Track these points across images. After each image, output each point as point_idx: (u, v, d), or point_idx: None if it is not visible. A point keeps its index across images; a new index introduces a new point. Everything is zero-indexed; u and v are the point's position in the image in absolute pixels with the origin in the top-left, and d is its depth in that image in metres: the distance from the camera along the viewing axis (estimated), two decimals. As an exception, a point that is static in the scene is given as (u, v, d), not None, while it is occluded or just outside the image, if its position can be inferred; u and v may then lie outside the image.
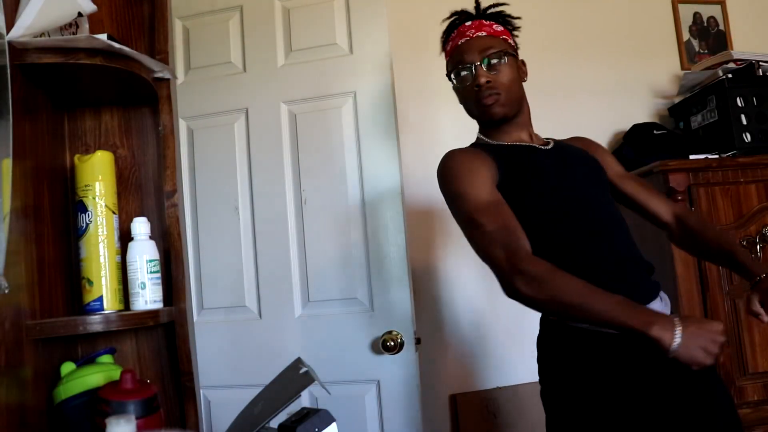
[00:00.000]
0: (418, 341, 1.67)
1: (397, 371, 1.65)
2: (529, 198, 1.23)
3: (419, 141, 2.17)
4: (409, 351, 1.64)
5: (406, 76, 2.10)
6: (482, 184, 1.22)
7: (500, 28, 1.33)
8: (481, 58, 1.28)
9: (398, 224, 1.68)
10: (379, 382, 1.66)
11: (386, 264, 1.68)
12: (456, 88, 1.35)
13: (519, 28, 1.39)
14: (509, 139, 1.33)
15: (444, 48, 1.40)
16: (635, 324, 1.01)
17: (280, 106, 1.78)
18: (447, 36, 1.38)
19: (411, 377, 1.64)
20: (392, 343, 1.63)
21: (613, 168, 1.40)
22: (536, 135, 1.38)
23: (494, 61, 1.28)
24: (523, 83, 1.35)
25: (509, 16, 1.37)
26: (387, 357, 1.65)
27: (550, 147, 1.34)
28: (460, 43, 1.32)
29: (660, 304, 1.20)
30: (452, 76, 1.34)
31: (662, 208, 1.36)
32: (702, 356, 0.99)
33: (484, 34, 1.30)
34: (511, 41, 1.34)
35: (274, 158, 1.77)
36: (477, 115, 1.34)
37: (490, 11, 1.36)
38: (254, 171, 1.78)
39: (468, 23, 1.33)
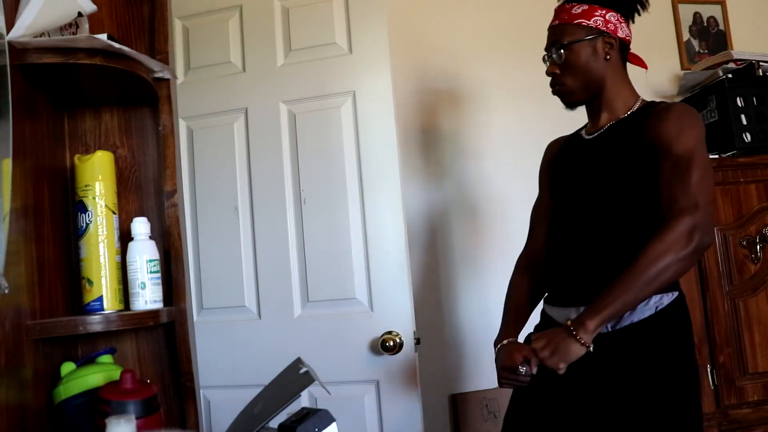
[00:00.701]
0: (417, 341, 1.67)
1: (397, 371, 1.65)
2: (551, 191, 1.46)
3: (419, 140, 2.17)
4: (408, 351, 1.64)
5: (405, 75, 2.10)
6: (541, 181, 1.52)
7: (580, 9, 1.32)
8: (550, 50, 1.36)
9: (398, 224, 1.68)
10: (378, 382, 1.66)
11: (386, 264, 1.68)
12: None
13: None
14: (589, 124, 1.42)
15: None
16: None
17: (280, 105, 1.78)
18: None
19: (410, 377, 1.64)
20: (392, 344, 1.63)
21: (664, 151, 1.21)
22: (612, 112, 1.35)
23: (560, 51, 1.33)
24: (605, 61, 1.32)
25: None
26: (386, 357, 1.65)
27: (595, 135, 1.36)
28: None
29: (577, 311, 1.23)
30: None
31: (664, 205, 1.19)
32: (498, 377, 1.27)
33: (557, 22, 1.36)
34: (590, 22, 1.31)
35: (273, 158, 1.77)
36: None
37: None
38: (254, 171, 1.78)
39: (557, 8, 1.39)
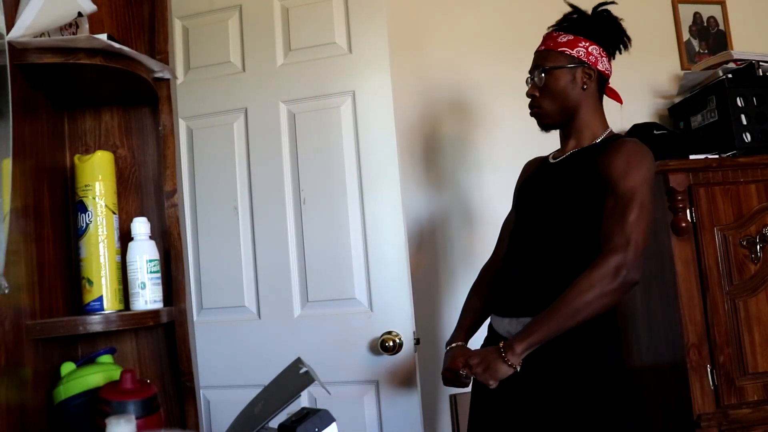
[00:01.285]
0: (417, 342, 1.67)
1: (397, 372, 1.65)
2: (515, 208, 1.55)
3: (418, 140, 2.17)
4: (408, 351, 1.64)
5: (404, 75, 2.10)
6: (513, 196, 1.58)
7: (566, 38, 1.40)
8: (533, 73, 1.43)
9: (398, 224, 1.68)
10: (378, 382, 1.66)
11: (386, 264, 1.68)
12: None
13: (609, 29, 1.43)
14: (559, 149, 1.49)
15: None
16: None
17: (279, 105, 1.78)
18: None
19: (410, 378, 1.64)
20: (391, 344, 1.63)
21: (610, 186, 1.28)
22: (579, 140, 1.42)
23: (542, 75, 1.40)
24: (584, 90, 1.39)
25: (591, 19, 1.42)
26: (386, 357, 1.65)
27: (558, 160, 1.43)
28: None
29: (510, 322, 1.35)
30: None
31: (601, 239, 1.25)
32: None
33: (543, 48, 1.44)
34: (572, 51, 1.38)
35: (273, 158, 1.77)
36: None
37: (565, 20, 1.44)
38: (253, 171, 1.78)
39: (545, 35, 1.45)
